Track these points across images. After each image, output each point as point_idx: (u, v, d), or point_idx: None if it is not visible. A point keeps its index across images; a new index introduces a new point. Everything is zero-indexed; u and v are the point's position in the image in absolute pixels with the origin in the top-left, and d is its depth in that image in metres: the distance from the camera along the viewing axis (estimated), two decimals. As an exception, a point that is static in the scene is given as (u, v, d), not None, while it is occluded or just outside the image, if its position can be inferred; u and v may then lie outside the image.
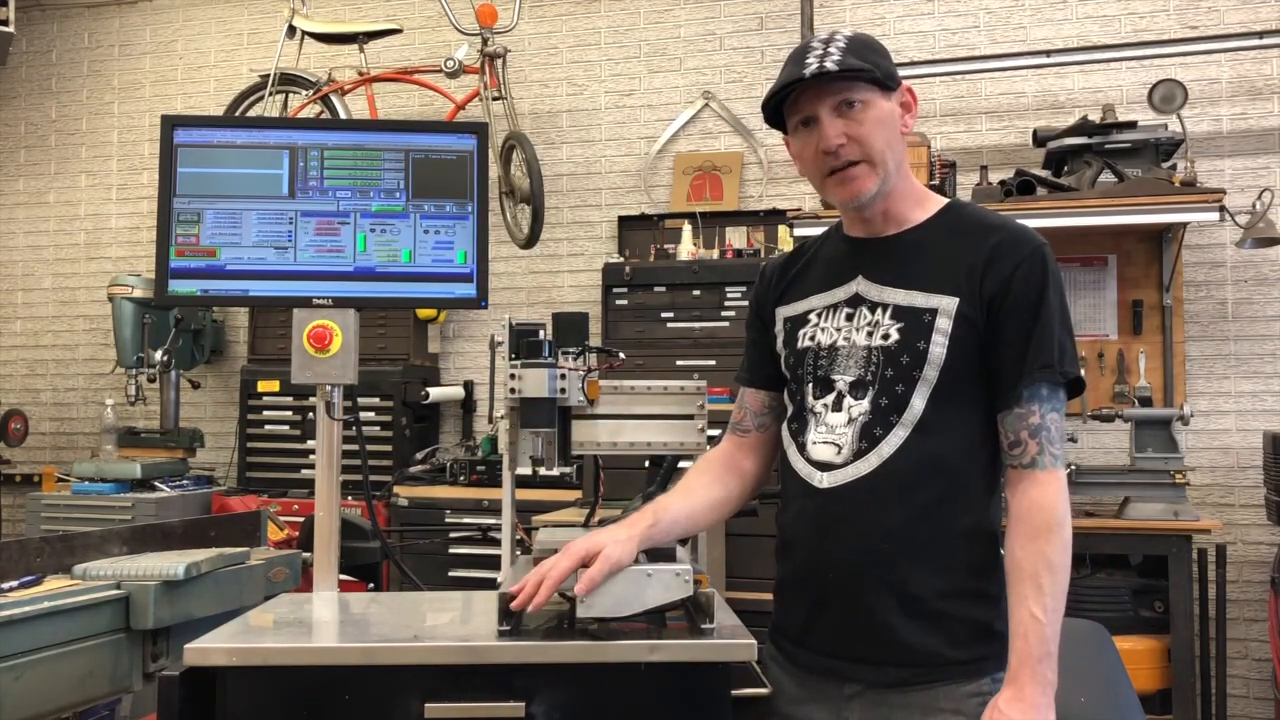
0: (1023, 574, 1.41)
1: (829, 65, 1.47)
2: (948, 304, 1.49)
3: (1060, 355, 1.45)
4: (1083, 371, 1.52)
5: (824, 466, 1.53)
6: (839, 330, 1.57)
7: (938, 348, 1.48)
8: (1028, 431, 1.45)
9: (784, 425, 1.64)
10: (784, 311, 1.67)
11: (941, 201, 1.61)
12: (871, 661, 1.48)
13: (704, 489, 1.67)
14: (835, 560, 1.51)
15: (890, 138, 1.53)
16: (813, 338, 1.59)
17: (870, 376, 1.52)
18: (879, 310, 1.54)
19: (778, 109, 1.56)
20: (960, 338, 1.48)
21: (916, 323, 1.50)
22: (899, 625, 1.46)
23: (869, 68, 1.49)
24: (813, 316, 1.61)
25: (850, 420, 1.52)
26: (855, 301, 1.57)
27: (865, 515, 1.49)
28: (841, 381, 1.54)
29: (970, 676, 1.46)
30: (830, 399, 1.55)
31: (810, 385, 1.58)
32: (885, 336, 1.52)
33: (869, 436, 1.50)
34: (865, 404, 1.51)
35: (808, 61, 1.49)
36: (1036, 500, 1.43)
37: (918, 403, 1.48)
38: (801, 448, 1.57)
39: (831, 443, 1.53)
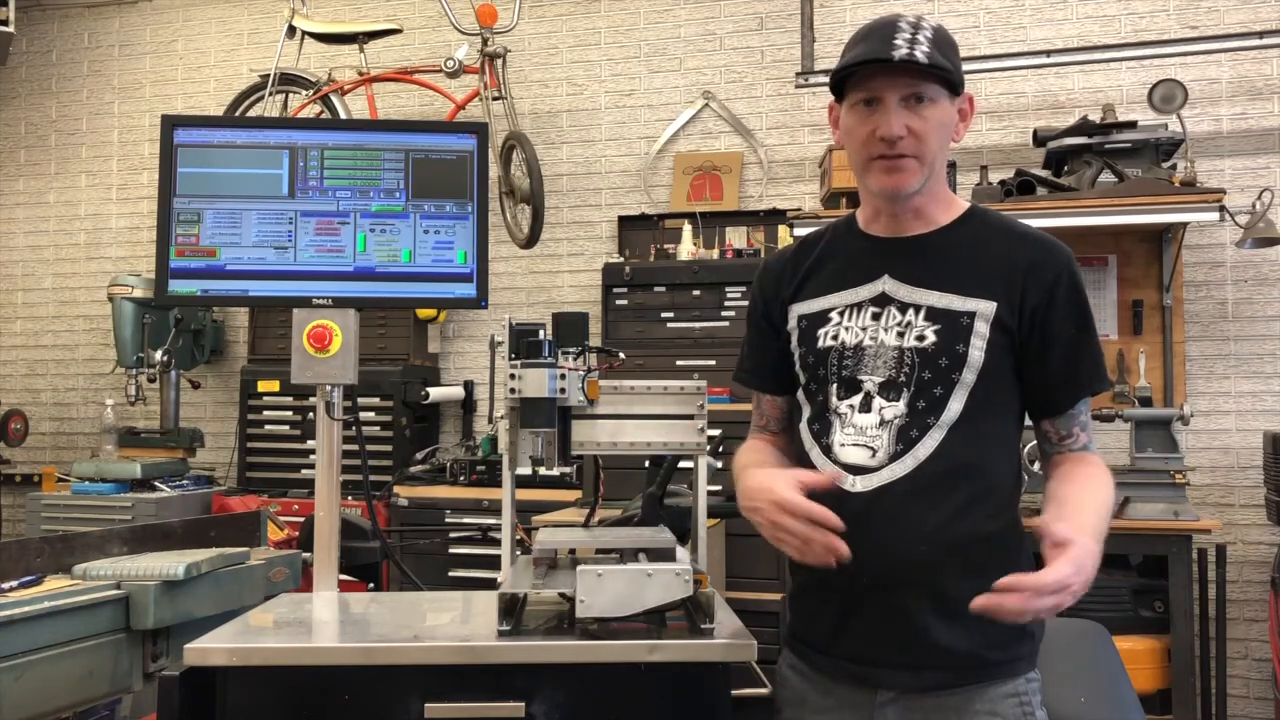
0: (1094, 501, 1.43)
1: (919, 55, 1.44)
2: (986, 308, 1.49)
3: (1103, 362, 1.55)
4: None
5: (856, 469, 1.50)
6: (864, 330, 1.54)
7: (977, 351, 1.48)
8: (1079, 426, 1.54)
9: (804, 426, 1.60)
10: (799, 309, 1.63)
11: (963, 205, 1.61)
12: (908, 666, 1.46)
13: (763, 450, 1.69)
14: (868, 564, 1.45)
15: (944, 141, 1.52)
16: (835, 337, 1.56)
17: (904, 378, 1.50)
18: (910, 311, 1.52)
19: (844, 77, 1.52)
20: (996, 342, 1.49)
21: (954, 325, 1.50)
22: (936, 628, 1.44)
23: (950, 69, 1.47)
24: (834, 315, 1.58)
25: (883, 422, 1.50)
26: (882, 301, 1.55)
27: (902, 518, 1.46)
28: (870, 382, 1.52)
29: (1006, 677, 1.46)
30: (857, 400, 1.52)
31: (834, 386, 1.55)
32: (920, 338, 1.50)
33: (905, 439, 1.48)
34: (901, 406, 1.49)
35: (896, 43, 1.45)
36: (1099, 468, 1.52)
37: (955, 405, 1.48)
38: (827, 449, 1.53)
39: (864, 445, 1.50)
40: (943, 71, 1.46)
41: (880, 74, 1.47)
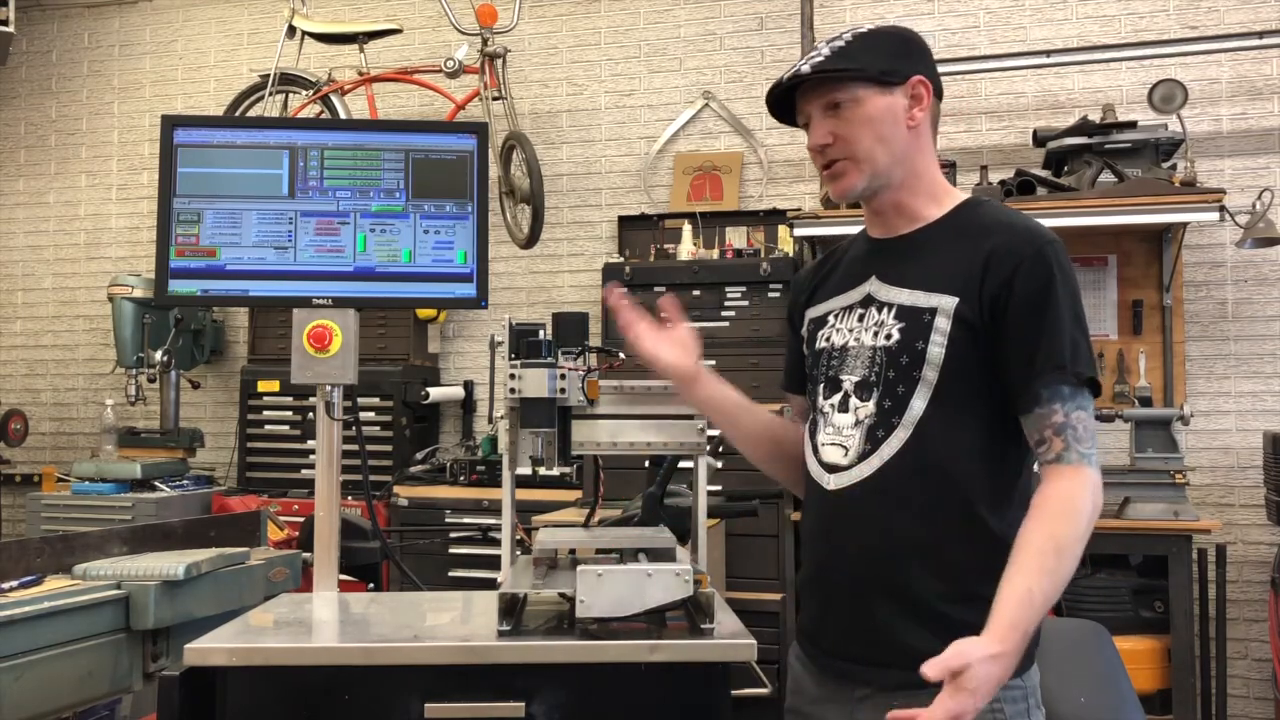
0: (1029, 549, 1.35)
1: (804, 69, 1.52)
2: (947, 303, 1.48)
3: (1074, 355, 1.42)
4: (1100, 374, 1.47)
5: (832, 468, 1.53)
6: (851, 331, 1.57)
7: (936, 348, 1.47)
8: (1051, 430, 1.41)
9: (806, 426, 1.65)
10: (810, 314, 1.69)
11: (959, 198, 1.59)
12: (877, 664, 1.47)
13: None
14: (840, 562, 1.52)
15: (884, 133, 1.51)
16: (829, 339, 1.61)
17: (874, 377, 1.51)
18: (885, 310, 1.54)
19: (793, 108, 1.60)
20: (959, 338, 1.46)
21: (916, 322, 1.49)
22: (901, 628, 1.45)
23: (849, 68, 1.50)
24: (830, 318, 1.63)
25: (857, 422, 1.52)
26: (867, 302, 1.58)
27: (867, 518, 1.49)
28: (848, 382, 1.55)
29: None
30: (837, 399, 1.56)
31: (821, 386, 1.59)
32: (888, 337, 1.51)
33: (873, 439, 1.50)
34: (870, 405, 1.51)
35: (797, 65, 1.54)
36: (1060, 490, 1.39)
37: (917, 404, 1.47)
38: (814, 449, 1.58)
39: (839, 444, 1.53)
40: (831, 74, 1.50)
41: (802, 95, 1.56)
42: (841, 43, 1.53)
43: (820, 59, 1.52)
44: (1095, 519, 1.38)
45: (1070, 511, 1.37)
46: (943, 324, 1.47)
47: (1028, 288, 1.44)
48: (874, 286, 1.57)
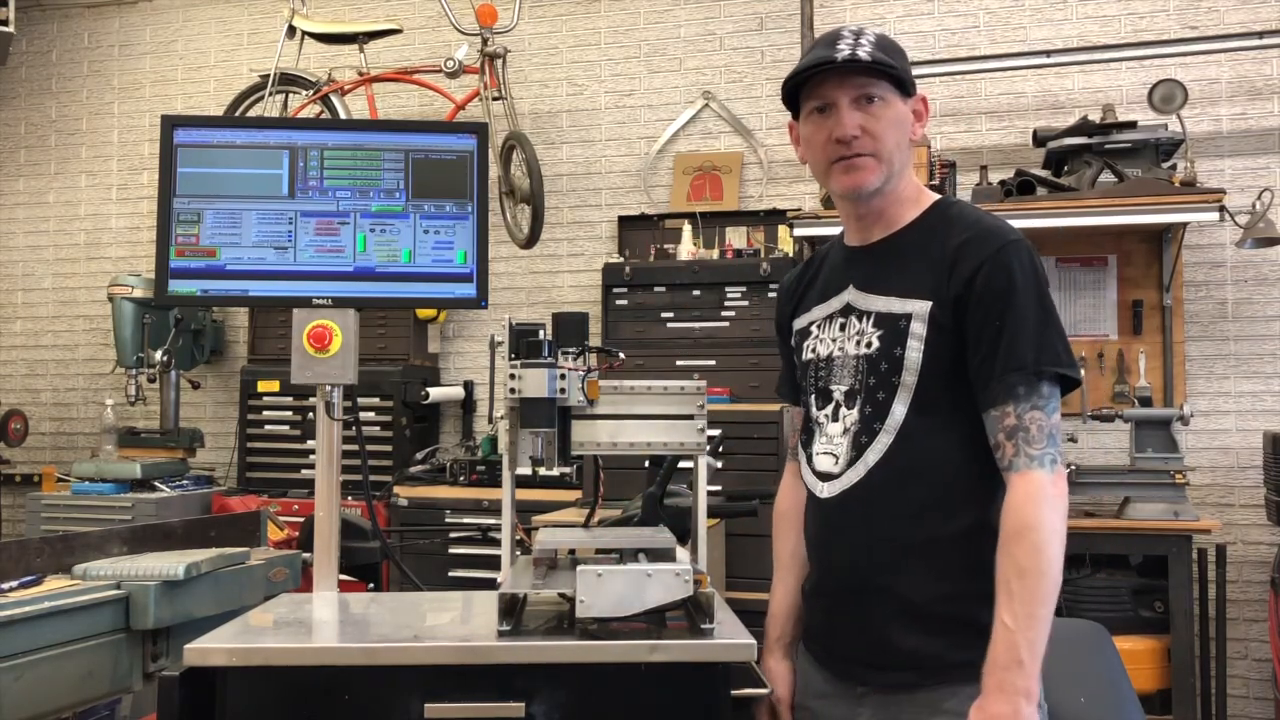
0: (998, 581, 1.39)
1: (861, 54, 1.48)
2: (921, 308, 1.49)
3: (1038, 353, 1.41)
4: (1081, 370, 1.48)
5: (824, 477, 1.56)
6: (834, 341, 1.59)
7: (914, 353, 1.48)
8: (1004, 433, 1.42)
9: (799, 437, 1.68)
10: (796, 324, 1.71)
11: (930, 200, 1.60)
12: (876, 666, 1.49)
13: (792, 558, 1.72)
14: (837, 569, 1.55)
15: (901, 140, 1.54)
16: (814, 350, 1.62)
17: (858, 385, 1.53)
18: (865, 319, 1.55)
19: (795, 91, 1.56)
20: (935, 341, 1.47)
21: (894, 329, 1.51)
22: (898, 631, 1.46)
23: (896, 66, 1.51)
24: (813, 329, 1.64)
25: (845, 430, 1.54)
26: (847, 311, 1.59)
27: (857, 524, 1.51)
28: (838, 391, 1.57)
29: (976, 678, 1.43)
30: (829, 409, 1.58)
31: (813, 397, 1.61)
32: (869, 345, 1.53)
33: (858, 445, 1.52)
34: (855, 413, 1.53)
35: (839, 48, 1.49)
36: (1010, 504, 1.40)
37: (899, 409, 1.49)
38: (809, 459, 1.61)
39: (830, 453, 1.56)
40: (887, 68, 1.49)
41: (830, 80, 1.51)
42: (873, 38, 1.52)
43: (869, 49, 1.49)
44: (1058, 519, 1.39)
45: (1020, 528, 1.38)
46: (918, 329, 1.49)
47: (988, 288, 1.44)
48: (852, 295, 1.59)
